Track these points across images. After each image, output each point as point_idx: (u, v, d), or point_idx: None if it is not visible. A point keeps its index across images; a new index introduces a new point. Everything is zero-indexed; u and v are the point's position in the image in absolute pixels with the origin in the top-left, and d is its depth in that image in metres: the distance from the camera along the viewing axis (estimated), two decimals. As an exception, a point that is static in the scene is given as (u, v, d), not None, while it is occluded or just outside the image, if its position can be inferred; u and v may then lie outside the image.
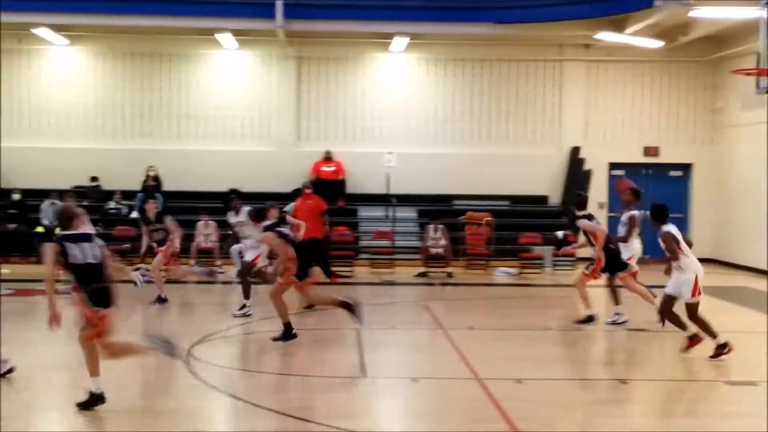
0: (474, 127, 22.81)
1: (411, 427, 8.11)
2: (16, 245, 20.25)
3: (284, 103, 22.52)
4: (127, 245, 19.10)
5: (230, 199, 17.89)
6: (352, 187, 22.23)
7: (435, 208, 21.47)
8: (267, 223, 11.94)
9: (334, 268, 17.64)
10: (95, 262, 8.16)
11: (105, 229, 19.58)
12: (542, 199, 22.61)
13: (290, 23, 20.22)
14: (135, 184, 21.52)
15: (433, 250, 19.52)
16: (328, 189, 20.53)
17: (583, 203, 13.37)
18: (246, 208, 15.03)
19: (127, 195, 21.55)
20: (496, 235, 20.46)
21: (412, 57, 22.71)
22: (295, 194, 16.67)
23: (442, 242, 19.57)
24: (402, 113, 22.75)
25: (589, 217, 13.07)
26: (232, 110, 22.54)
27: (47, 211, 20.45)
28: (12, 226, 20.62)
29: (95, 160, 21.95)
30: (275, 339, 11.51)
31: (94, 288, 8.06)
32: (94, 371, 8.19)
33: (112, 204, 21.49)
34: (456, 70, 22.84)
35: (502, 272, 19.74)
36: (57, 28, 21.04)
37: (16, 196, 21.15)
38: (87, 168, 21.88)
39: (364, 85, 22.73)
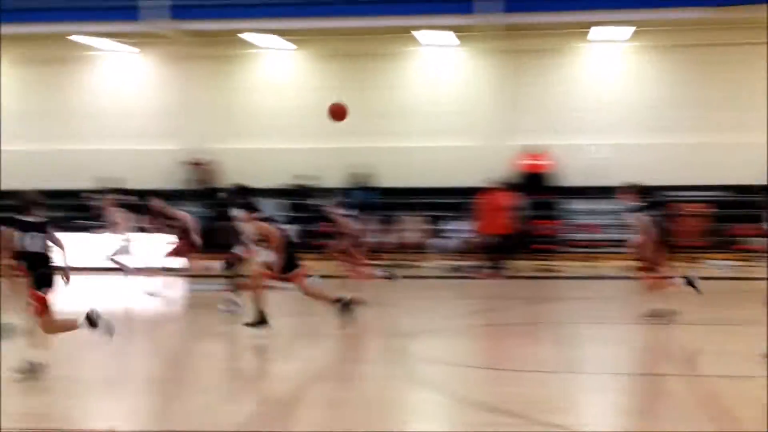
0: (683, 116, 22.18)
1: (628, 425, 8.08)
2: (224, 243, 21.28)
3: (492, 97, 22.71)
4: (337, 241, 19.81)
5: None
6: (560, 180, 22.13)
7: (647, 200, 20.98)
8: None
9: (540, 262, 17.73)
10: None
11: (315, 225, 20.46)
12: (760, 189, 21.69)
13: (500, 17, 20.42)
14: (346, 182, 22.26)
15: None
16: (535, 182, 20.61)
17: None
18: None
19: (338, 193, 22.32)
20: (710, 226, 19.88)
21: (623, 46, 22.38)
22: (485, 190, 16.84)
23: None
24: (610, 103, 22.44)
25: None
26: (440, 106, 22.93)
27: (268, 208, 21.47)
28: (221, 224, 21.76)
29: (313, 159, 22.79)
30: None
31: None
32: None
33: (326, 201, 22.32)
34: (664, 57, 22.32)
35: (717, 265, 19.18)
36: (279, 33, 22.14)
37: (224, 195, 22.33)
38: (308, 166, 22.60)
39: (572, 76, 22.59)
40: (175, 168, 22.73)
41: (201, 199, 22.30)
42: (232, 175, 22.40)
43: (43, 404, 8.61)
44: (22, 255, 9.31)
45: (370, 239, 20.14)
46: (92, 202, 18.41)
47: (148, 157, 22.78)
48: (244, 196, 12.49)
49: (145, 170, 22.01)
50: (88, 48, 23.15)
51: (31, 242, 9.32)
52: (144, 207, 16.95)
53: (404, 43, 22.81)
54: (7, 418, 7.60)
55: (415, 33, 21.99)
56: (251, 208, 12.14)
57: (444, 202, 21.31)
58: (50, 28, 21.63)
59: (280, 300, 13.20)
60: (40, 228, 9.42)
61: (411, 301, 16.33)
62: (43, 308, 9.28)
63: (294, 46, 23.19)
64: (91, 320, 9.37)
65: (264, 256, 11.92)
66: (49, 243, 9.42)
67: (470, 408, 8.31)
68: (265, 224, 11.95)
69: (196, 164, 22.96)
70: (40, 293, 9.27)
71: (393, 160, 22.50)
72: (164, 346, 12.22)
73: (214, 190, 22.14)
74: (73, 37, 22.36)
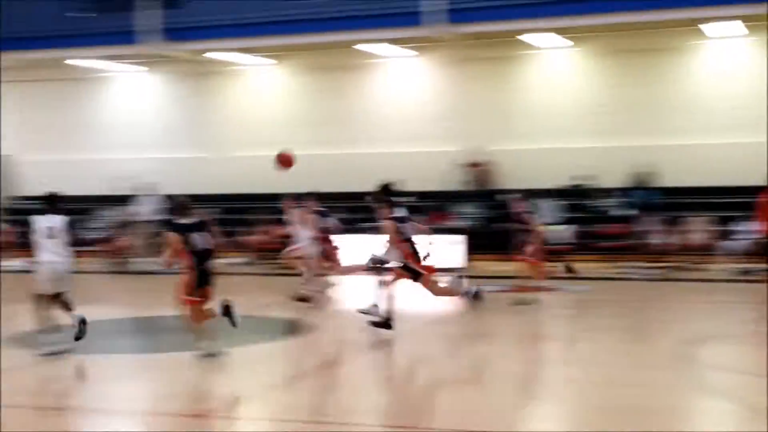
0: None
1: None
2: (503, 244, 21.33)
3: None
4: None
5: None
6: None
7: None
8: None
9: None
10: None
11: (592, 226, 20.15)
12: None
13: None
14: (625, 181, 21.68)
15: None
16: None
17: None
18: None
19: (616, 193, 21.81)
20: None
21: None
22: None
23: None
24: None
25: None
26: (726, 101, 21.79)
27: (544, 209, 21.28)
28: (500, 225, 21.80)
29: (591, 158, 22.35)
30: None
31: None
32: None
33: (605, 201, 21.89)
34: None
35: None
36: (558, 31, 21.97)
37: (503, 197, 22.31)
38: (586, 166, 22.24)
39: None
40: (453, 170, 23.06)
41: (479, 200, 22.52)
42: (509, 177, 22.48)
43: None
44: (193, 253, 10.24)
45: (652, 240, 19.55)
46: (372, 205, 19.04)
47: (427, 159, 23.25)
48: (389, 194, 12.37)
49: (424, 172, 22.48)
50: (370, 56, 23.99)
51: (198, 241, 10.29)
52: (424, 208, 17.33)
53: (688, 36, 21.89)
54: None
55: (702, 26, 21.01)
56: (391, 206, 12.10)
57: (732, 202, 20.21)
58: (335, 37, 22.62)
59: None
60: (199, 227, 10.40)
61: (696, 305, 15.67)
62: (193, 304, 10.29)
63: (571, 44, 22.87)
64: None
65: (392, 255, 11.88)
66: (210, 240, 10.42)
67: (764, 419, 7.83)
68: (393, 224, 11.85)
69: (474, 166, 23.19)
70: (194, 291, 10.29)
71: (676, 158, 21.64)
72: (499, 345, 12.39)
73: (492, 192, 22.26)
74: (356, 46, 23.26)
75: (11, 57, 24.21)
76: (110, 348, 11.88)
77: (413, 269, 11.81)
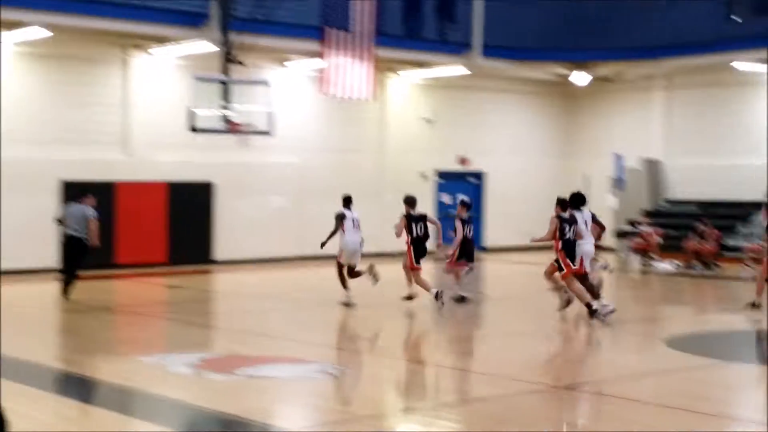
0: None
1: None
2: None
3: None
4: None
5: None
6: None
7: None
8: None
9: None
10: None
11: None
12: None
13: None
14: None
15: None
16: None
17: None
18: None
19: None
20: None
21: None
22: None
23: None
24: None
25: None
26: None
27: None
28: None
29: None
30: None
31: None
32: None
33: None
34: None
35: None
36: None
37: None
38: None
39: None
40: None
41: None
42: None
43: None
44: (412, 240, 14.72)
45: None
46: None
47: None
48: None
49: None
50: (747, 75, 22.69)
51: (416, 228, 14.71)
52: None
53: None
54: None
55: None
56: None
57: None
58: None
59: None
60: (422, 219, 14.87)
61: None
62: (415, 273, 14.86)
63: None
64: None
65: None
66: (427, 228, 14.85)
67: None
68: None
69: None
70: (417, 265, 14.80)
71: None
72: None
73: None
74: (735, 64, 22.59)
75: (668, 63, 24.64)
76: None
77: None
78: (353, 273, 15.27)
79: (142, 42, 20.74)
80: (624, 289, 19.50)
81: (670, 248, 22.31)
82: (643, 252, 22.58)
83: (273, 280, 16.69)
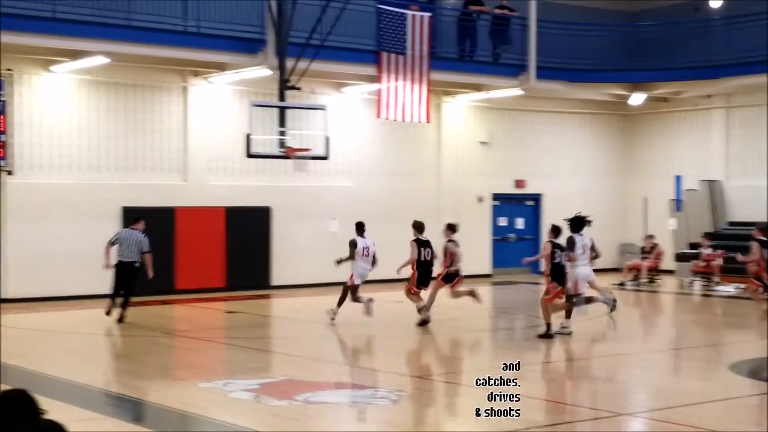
0: None
1: None
2: None
3: None
4: None
5: None
6: None
7: None
8: None
9: None
10: None
11: None
12: None
13: None
14: None
15: None
16: None
17: None
18: None
19: None
20: None
21: None
22: None
23: None
24: None
25: None
26: None
27: None
28: None
29: None
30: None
31: None
32: None
33: None
34: None
35: None
36: None
37: None
38: None
39: None
40: None
41: None
42: None
43: None
44: (419, 264, 15.28)
45: None
46: None
47: None
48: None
49: None
50: None
51: (425, 253, 15.29)
52: None
53: None
54: None
55: None
56: None
57: None
58: None
59: None
60: (428, 245, 15.37)
61: None
62: (416, 293, 15.34)
63: None
64: None
65: None
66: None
67: None
68: None
69: None
70: (417, 289, 15.29)
71: None
72: None
73: None
74: None
75: (727, 82, 24.30)
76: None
77: None
78: (355, 297, 15.82)
79: (200, 69, 21.01)
80: (686, 312, 19.20)
81: (732, 271, 21.91)
82: (705, 275, 22.21)
83: (329, 305, 16.69)
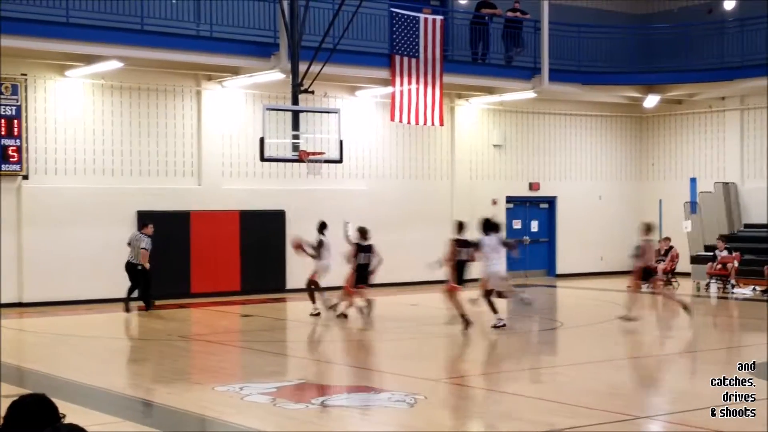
0: None
1: None
2: None
3: None
4: None
5: None
6: None
7: None
8: None
9: None
10: None
11: None
12: None
13: None
14: None
15: None
16: None
17: None
18: None
19: None
20: None
21: None
22: None
23: None
24: None
25: None
26: None
27: None
28: None
29: None
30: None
31: None
32: None
33: None
34: None
35: None
36: None
37: None
38: None
39: None
40: None
41: None
42: None
43: None
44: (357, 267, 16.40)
45: None
46: None
47: None
48: None
49: None
50: None
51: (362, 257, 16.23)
52: None
53: None
54: None
55: None
56: None
57: None
58: None
59: None
60: (368, 249, 16.43)
61: None
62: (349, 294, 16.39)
63: None
64: None
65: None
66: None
67: None
68: None
69: None
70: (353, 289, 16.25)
71: None
72: None
73: None
74: None
75: (742, 84, 24.21)
76: None
77: None
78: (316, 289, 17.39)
79: (214, 73, 21.05)
80: (702, 315, 19.10)
81: (748, 273, 21.81)
82: (721, 277, 22.12)
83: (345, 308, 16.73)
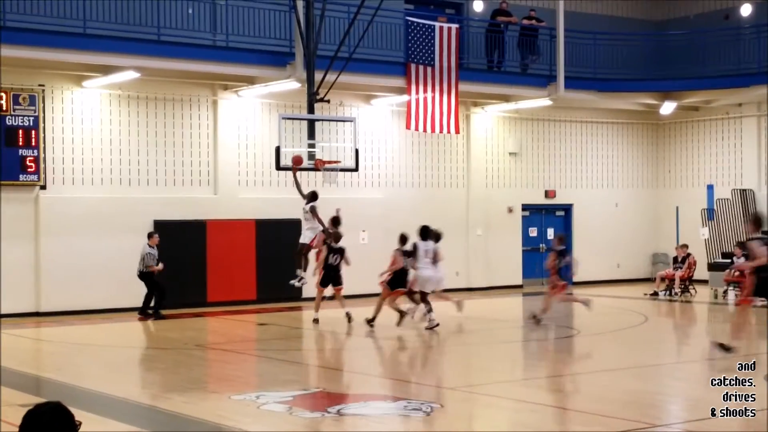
0: None
1: None
2: None
3: None
4: None
5: None
6: None
7: None
8: None
9: None
10: None
11: None
12: None
13: None
14: None
15: None
16: None
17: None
18: None
19: None
20: None
21: None
22: None
23: None
24: None
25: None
26: None
27: None
28: None
29: None
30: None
31: None
32: None
33: None
34: None
35: None
36: None
37: None
38: None
39: None
40: None
41: None
42: None
43: None
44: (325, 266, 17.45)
45: None
46: None
47: None
48: None
49: None
50: None
51: (332, 258, 17.25)
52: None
53: None
54: None
55: None
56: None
57: None
58: None
59: None
60: (340, 252, 17.25)
61: None
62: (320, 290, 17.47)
63: None
64: None
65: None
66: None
67: None
68: None
69: None
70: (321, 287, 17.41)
71: None
72: None
73: None
74: None
75: (759, 91, 24.12)
76: None
77: None
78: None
79: (229, 83, 21.13)
80: (720, 322, 19.00)
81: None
82: (739, 284, 21.98)
83: (360, 317, 16.71)
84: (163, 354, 15.02)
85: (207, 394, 11.42)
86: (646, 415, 9.81)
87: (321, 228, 17.53)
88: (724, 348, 13.17)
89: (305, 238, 17.75)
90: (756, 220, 13.60)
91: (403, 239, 17.16)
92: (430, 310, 16.37)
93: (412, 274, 16.89)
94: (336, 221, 17.79)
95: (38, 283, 19.06)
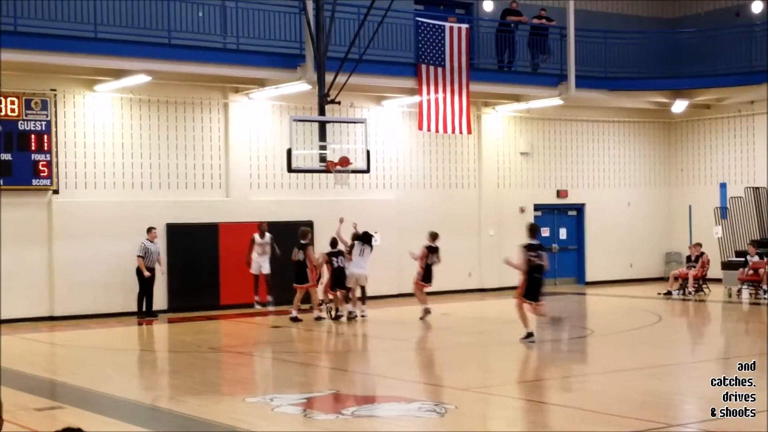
0: None
1: None
2: None
3: None
4: None
5: None
6: None
7: None
8: None
9: None
10: None
11: None
12: None
13: None
14: None
15: None
16: None
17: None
18: None
19: None
20: None
21: None
22: None
23: None
24: None
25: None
26: None
27: None
28: None
29: None
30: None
31: None
32: None
33: None
34: None
35: None
36: None
37: None
38: None
39: None
40: None
41: None
42: None
43: None
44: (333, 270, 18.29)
45: None
46: None
47: None
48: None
49: None
50: None
51: (337, 261, 18.23)
52: None
53: None
54: None
55: None
56: None
57: None
58: None
59: None
60: (340, 254, 18.42)
61: None
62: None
63: None
64: None
65: None
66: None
67: None
68: None
69: None
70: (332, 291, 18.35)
71: None
72: None
73: None
74: None
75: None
76: None
77: None
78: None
79: (240, 85, 21.15)
80: (734, 321, 18.93)
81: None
82: (753, 283, 21.91)
83: (373, 317, 16.72)
84: (177, 357, 15.04)
85: (221, 396, 11.42)
86: (663, 416, 9.77)
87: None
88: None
89: (265, 269, 19.63)
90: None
91: (334, 242, 18.57)
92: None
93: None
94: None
95: (52, 288, 19.11)
